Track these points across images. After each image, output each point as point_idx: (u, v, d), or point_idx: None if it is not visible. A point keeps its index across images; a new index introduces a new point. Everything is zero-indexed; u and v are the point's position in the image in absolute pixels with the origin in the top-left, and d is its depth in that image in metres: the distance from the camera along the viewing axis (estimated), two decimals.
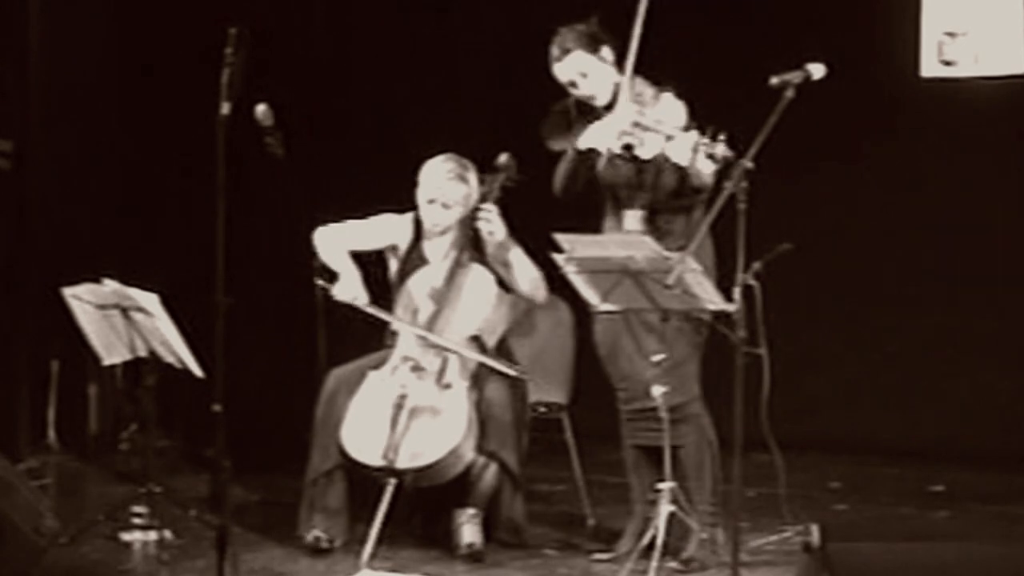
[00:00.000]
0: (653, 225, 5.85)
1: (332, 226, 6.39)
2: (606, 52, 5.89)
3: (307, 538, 6.08)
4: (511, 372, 6.17)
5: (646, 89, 5.87)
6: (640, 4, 5.77)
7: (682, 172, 5.70)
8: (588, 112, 5.91)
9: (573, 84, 5.91)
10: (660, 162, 5.73)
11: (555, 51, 5.91)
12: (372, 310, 6.25)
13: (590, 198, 6.01)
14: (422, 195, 6.32)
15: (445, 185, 6.28)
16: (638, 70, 5.85)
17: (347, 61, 8.80)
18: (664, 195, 5.84)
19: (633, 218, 5.91)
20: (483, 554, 6.02)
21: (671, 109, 5.79)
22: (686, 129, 5.66)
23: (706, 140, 5.50)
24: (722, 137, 5.50)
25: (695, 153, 5.52)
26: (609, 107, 5.84)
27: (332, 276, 6.31)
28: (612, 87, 5.85)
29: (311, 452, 6.19)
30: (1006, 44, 8.16)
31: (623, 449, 6.04)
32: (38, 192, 7.94)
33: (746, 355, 5.36)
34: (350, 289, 6.26)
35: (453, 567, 5.94)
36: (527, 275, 6.26)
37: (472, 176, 6.31)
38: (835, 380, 8.41)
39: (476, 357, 6.17)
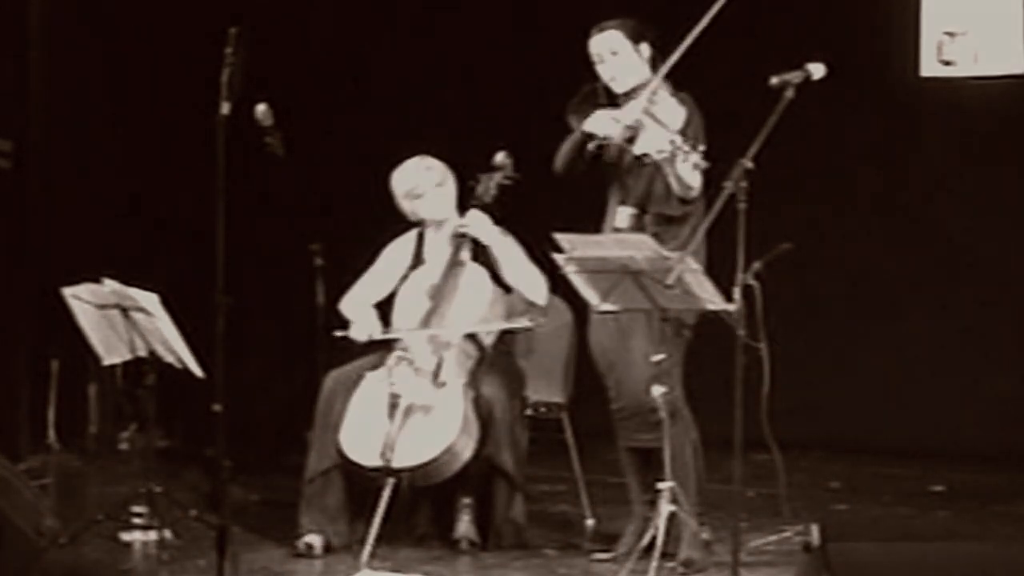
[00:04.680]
0: (640, 225, 5.85)
1: (350, 293, 6.42)
2: (644, 48, 5.89)
3: (299, 545, 6.07)
4: (526, 324, 6.22)
5: (664, 92, 5.86)
6: (706, 16, 5.71)
7: (675, 175, 5.70)
8: (614, 98, 5.90)
9: (601, 59, 5.89)
10: (656, 162, 5.74)
11: (596, 27, 5.91)
12: (387, 335, 6.26)
13: (591, 197, 6.02)
14: (401, 197, 6.35)
15: (419, 176, 6.32)
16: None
17: (348, 60, 8.80)
18: (655, 197, 5.84)
19: (624, 215, 5.91)
20: (478, 545, 6.03)
21: (672, 111, 5.80)
22: (680, 133, 5.67)
23: (686, 147, 5.53)
24: (701, 148, 5.53)
25: (674, 151, 5.53)
26: (628, 96, 5.85)
27: (345, 322, 6.36)
28: (636, 81, 5.85)
29: (309, 453, 6.19)
30: (1006, 44, 8.17)
31: (618, 450, 6.03)
32: (38, 192, 7.94)
33: (747, 348, 5.37)
34: (366, 328, 6.28)
35: (453, 567, 5.94)
36: (523, 276, 6.25)
37: (440, 165, 6.34)
38: (835, 380, 8.41)
39: (487, 328, 6.22)
